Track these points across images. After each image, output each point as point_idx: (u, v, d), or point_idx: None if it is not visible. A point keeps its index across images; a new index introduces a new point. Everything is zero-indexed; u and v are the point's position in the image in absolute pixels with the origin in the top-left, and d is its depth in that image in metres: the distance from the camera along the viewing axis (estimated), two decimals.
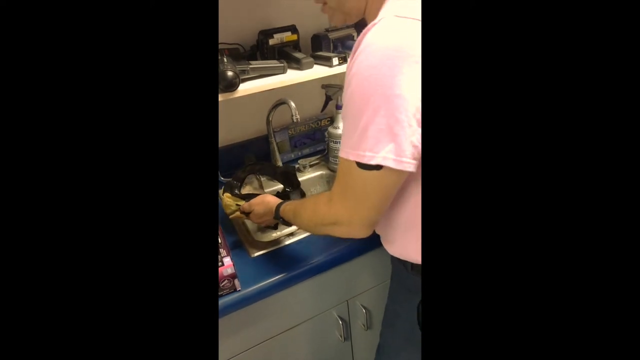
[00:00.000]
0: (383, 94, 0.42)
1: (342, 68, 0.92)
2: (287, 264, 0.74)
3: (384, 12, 0.46)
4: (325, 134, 1.18)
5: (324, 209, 0.54)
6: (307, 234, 0.81)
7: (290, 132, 1.13)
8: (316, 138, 1.18)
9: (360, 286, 0.86)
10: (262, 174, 1.00)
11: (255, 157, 1.03)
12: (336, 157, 1.03)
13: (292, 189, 0.89)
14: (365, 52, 0.43)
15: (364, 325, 0.90)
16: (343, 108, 0.48)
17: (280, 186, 0.96)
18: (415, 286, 0.59)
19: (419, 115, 0.42)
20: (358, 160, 0.45)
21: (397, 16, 0.43)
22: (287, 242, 0.80)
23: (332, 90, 0.99)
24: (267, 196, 0.75)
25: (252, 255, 0.77)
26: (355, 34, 1.02)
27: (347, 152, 0.47)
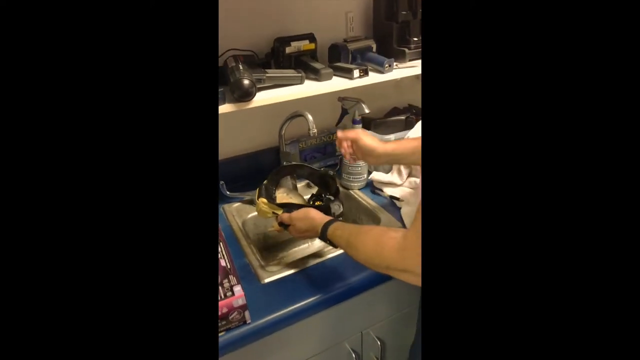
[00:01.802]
0: None
1: (363, 81, 0.87)
2: (301, 293, 0.67)
3: None
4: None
5: (393, 255, 0.50)
6: (321, 260, 0.74)
7: (301, 145, 1.07)
8: (327, 152, 1.13)
9: (375, 317, 0.80)
10: (299, 177, 0.92)
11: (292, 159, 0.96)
12: (351, 173, 0.97)
13: (330, 194, 0.80)
14: None
15: (377, 358, 0.83)
16: None
17: (314, 190, 0.88)
18: None
19: None
20: None
21: None
22: (301, 267, 0.73)
23: (349, 104, 0.94)
24: (310, 211, 0.68)
25: (263, 282, 0.70)
26: (374, 46, 0.97)
27: None
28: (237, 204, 0.95)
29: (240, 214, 0.94)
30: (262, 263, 0.75)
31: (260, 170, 0.97)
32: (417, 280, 0.47)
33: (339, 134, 0.77)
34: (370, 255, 0.54)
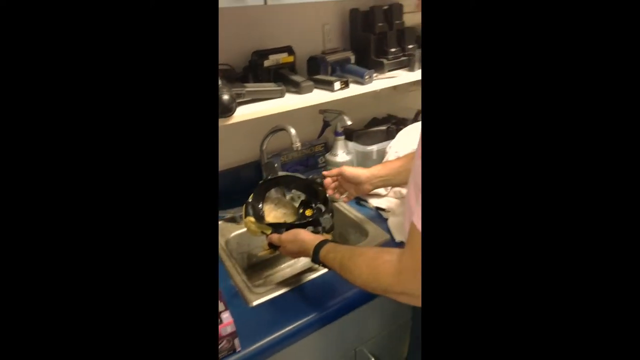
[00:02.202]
0: None
1: (344, 93, 0.86)
2: (291, 315, 0.64)
3: None
4: (320, 160, 1.11)
5: (390, 279, 0.48)
6: (310, 278, 0.72)
7: (282, 158, 1.05)
8: (309, 164, 1.11)
9: (367, 333, 0.78)
10: (285, 188, 0.89)
11: (275, 168, 0.93)
12: None
13: (319, 201, 0.78)
14: None
15: None
16: (415, 174, 0.45)
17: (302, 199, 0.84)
18: None
19: None
20: None
21: None
22: (289, 286, 0.70)
23: (330, 116, 0.93)
24: (300, 232, 0.66)
25: (251, 305, 0.67)
26: (353, 57, 0.97)
27: None
28: (219, 222, 0.92)
29: (223, 232, 0.90)
30: (249, 284, 0.72)
31: (241, 187, 0.94)
32: (416, 302, 0.46)
33: (325, 173, 0.81)
34: (366, 279, 0.52)
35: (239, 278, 0.73)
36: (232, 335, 0.56)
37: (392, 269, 0.48)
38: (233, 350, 0.58)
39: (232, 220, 0.93)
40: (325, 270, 0.73)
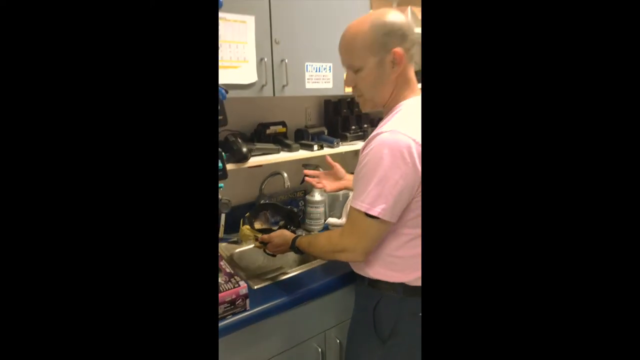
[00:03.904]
0: (384, 175, 0.68)
1: (320, 153, 1.27)
2: (282, 294, 0.94)
3: (392, 124, 0.70)
4: (300, 203, 1.48)
5: (336, 239, 0.80)
6: (295, 272, 1.03)
7: (273, 200, 1.40)
8: (292, 205, 1.46)
9: (333, 319, 1.07)
10: (272, 212, 1.22)
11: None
12: (312, 219, 1.31)
13: (294, 226, 1.12)
14: (378, 146, 0.69)
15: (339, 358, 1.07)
16: (357, 175, 0.75)
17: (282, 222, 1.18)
18: (370, 295, 0.84)
19: (405, 192, 0.69)
20: (364, 210, 0.72)
21: (398, 131, 0.68)
22: (282, 277, 1.01)
23: (310, 168, 1.32)
24: (284, 231, 0.99)
25: (254, 288, 0.97)
26: (326, 131, 1.40)
27: (358, 204, 0.73)
28: (224, 244, 1.23)
29: (228, 249, 1.21)
30: (253, 275, 1.02)
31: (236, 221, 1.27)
32: (353, 257, 0.79)
33: (306, 172, 1.10)
34: (323, 245, 0.84)
35: (243, 274, 1.03)
36: (245, 296, 0.86)
37: (337, 233, 0.81)
38: (244, 309, 0.86)
39: (235, 242, 1.25)
40: (302, 270, 1.05)
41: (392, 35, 0.72)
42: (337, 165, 1.11)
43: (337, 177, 1.11)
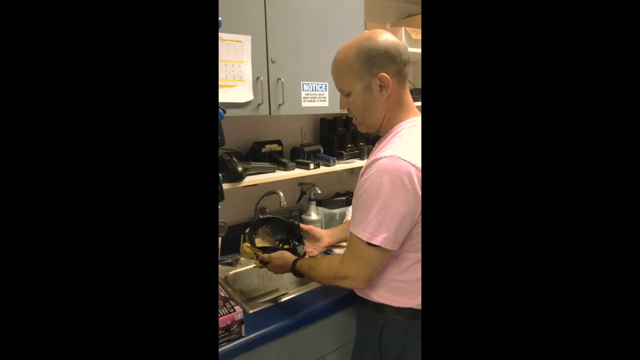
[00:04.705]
0: (385, 202, 0.67)
1: (316, 171, 1.25)
2: (278, 318, 0.91)
3: (392, 149, 0.69)
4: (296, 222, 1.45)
5: (337, 266, 0.78)
6: (292, 295, 1.00)
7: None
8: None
9: (332, 343, 1.03)
10: (273, 226, 1.19)
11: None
12: None
13: (295, 239, 1.09)
14: (377, 172, 0.68)
15: None
16: (356, 200, 0.74)
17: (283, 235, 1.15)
18: (375, 319, 0.81)
19: (408, 218, 0.67)
20: (366, 240, 0.70)
21: (398, 157, 0.67)
22: (278, 300, 0.98)
23: (306, 187, 1.31)
24: (284, 252, 0.96)
25: (249, 312, 0.93)
26: (321, 149, 1.39)
27: (360, 232, 0.72)
28: (220, 265, 1.19)
29: (222, 271, 1.17)
30: (246, 300, 0.98)
31: (238, 239, 1.24)
32: (355, 284, 0.76)
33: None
34: (324, 271, 0.82)
35: (237, 297, 0.99)
36: (241, 321, 0.82)
37: (338, 259, 0.79)
38: (240, 335, 0.83)
39: (229, 264, 1.21)
40: (300, 292, 1.02)
41: (376, 59, 0.72)
42: (312, 228, 1.12)
43: (316, 239, 1.11)
